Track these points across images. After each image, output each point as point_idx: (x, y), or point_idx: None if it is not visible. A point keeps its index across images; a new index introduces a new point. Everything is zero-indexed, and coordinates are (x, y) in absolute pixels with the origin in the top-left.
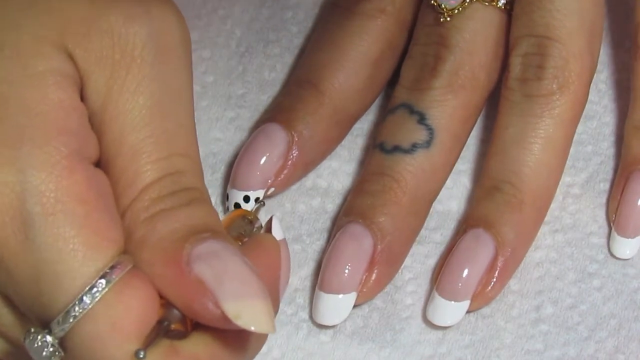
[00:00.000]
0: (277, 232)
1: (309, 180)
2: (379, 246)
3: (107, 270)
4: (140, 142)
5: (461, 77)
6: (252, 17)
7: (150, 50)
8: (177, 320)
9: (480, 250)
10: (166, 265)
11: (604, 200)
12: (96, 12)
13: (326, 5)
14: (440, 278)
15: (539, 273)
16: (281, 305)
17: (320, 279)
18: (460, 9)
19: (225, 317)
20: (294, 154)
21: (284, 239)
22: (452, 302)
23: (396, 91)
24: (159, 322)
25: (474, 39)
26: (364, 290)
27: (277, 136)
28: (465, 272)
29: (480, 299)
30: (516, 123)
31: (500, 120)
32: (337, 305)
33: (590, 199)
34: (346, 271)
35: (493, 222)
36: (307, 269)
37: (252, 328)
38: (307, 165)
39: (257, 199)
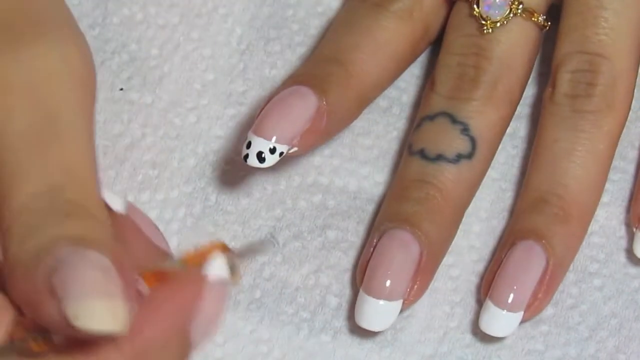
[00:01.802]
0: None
1: (310, 176)
2: (425, 254)
3: None
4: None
5: (500, 90)
6: (252, 15)
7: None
8: (37, 340)
9: (533, 261)
10: (24, 279)
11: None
12: None
13: None
14: (494, 289)
15: None
16: (282, 305)
17: (367, 283)
18: (505, 22)
19: (67, 321)
20: (322, 121)
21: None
22: (510, 312)
23: (431, 98)
24: (12, 341)
25: (513, 52)
26: (410, 298)
27: (310, 99)
28: (521, 282)
29: (532, 310)
30: (566, 137)
31: (547, 134)
32: (385, 312)
33: None
34: (397, 278)
35: (543, 234)
36: (308, 267)
37: (93, 328)
38: (326, 137)
39: (280, 153)
